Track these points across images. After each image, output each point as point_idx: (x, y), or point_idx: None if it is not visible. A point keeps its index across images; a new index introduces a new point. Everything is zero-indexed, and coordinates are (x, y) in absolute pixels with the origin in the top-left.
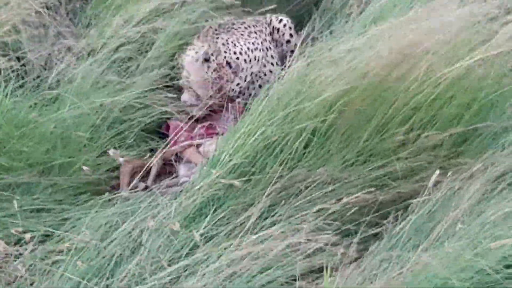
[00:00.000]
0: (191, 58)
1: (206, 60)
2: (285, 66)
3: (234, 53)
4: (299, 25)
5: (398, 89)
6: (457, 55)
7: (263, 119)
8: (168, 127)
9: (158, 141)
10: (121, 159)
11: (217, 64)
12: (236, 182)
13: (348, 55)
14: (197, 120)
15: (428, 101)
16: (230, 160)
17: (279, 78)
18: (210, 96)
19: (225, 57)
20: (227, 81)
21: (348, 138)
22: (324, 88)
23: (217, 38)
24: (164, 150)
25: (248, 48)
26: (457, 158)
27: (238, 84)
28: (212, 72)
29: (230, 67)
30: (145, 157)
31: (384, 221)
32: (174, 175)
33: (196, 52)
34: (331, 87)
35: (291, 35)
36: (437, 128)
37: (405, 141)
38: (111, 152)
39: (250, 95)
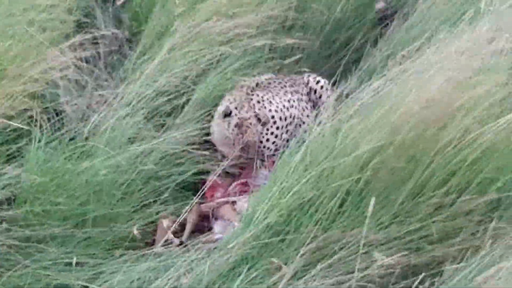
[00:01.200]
0: (215, 114)
1: (226, 115)
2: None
3: (270, 110)
4: (336, 84)
5: (433, 150)
6: (492, 114)
7: (296, 176)
8: (204, 183)
9: (193, 197)
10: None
11: (239, 118)
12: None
13: (378, 109)
14: (234, 177)
15: (465, 165)
16: (265, 219)
17: (310, 133)
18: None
19: (254, 109)
20: (253, 134)
21: (383, 200)
22: (357, 143)
23: (252, 94)
24: (199, 206)
25: (284, 106)
26: (491, 222)
27: (274, 142)
28: (233, 128)
29: (259, 120)
30: (182, 213)
31: (420, 286)
32: (209, 232)
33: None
34: (364, 143)
35: (328, 97)
36: (473, 192)
37: (441, 205)
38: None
39: None
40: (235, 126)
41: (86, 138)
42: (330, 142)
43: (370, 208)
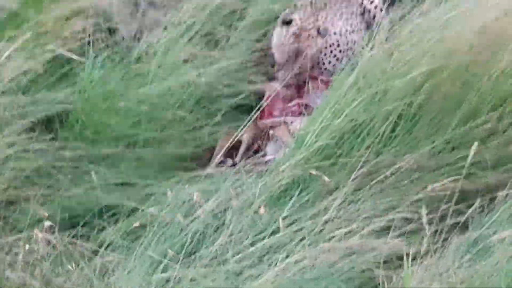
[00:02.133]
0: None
1: (285, 23)
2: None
3: (335, 33)
4: (390, 5)
5: (486, 75)
6: None
7: (349, 98)
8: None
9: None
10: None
11: (298, 28)
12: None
13: (432, 32)
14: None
15: None
16: (316, 142)
17: (363, 55)
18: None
19: (317, 22)
20: (308, 45)
21: (436, 124)
22: (411, 66)
23: (318, 16)
24: (255, 124)
25: (346, 30)
26: None
27: (334, 65)
28: (290, 36)
29: (319, 33)
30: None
31: (469, 211)
32: (262, 153)
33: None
34: (418, 66)
35: (382, 18)
36: None
37: (493, 131)
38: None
39: None
40: (293, 34)
41: (139, 59)
42: (383, 65)
43: None
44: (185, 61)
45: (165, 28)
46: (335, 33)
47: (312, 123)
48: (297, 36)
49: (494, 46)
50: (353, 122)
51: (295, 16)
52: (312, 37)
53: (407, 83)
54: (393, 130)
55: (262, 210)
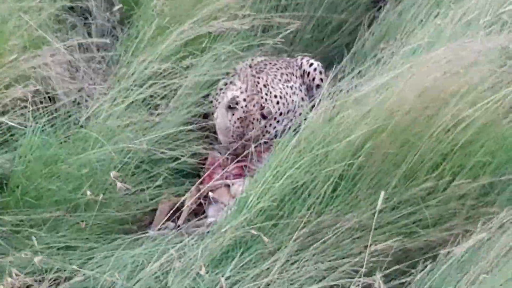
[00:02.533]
0: (224, 101)
1: (230, 107)
2: (312, 107)
3: (275, 96)
4: (329, 66)
5: (426, 134)
6: (483, 98)
7: (291, 161)
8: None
9: (190, 182)
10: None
11: (245, 112)
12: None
13: (372, 95)
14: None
15: (456, 148)
16: (258, 203)
17: (305, 119)
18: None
19: (261, 104)
20: (254, 127)
21: (376, 184)
22: (351, 129)
23: (258, 78)
24: (197, 189)
25: (287, 93)
26: (485, 207)
27: (275, 127)
28: (235, 121)
29: (263, 116)
30: (180, 197)
31: (413, 270)
32: (202, 215)
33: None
34: (358, 129)
35: (321, 80)
36: (466, 176)
37: (434, 189)
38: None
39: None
40: (238, 119)
41: (79, 124)
42: (324, 129)
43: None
44: (126, 125)
45: (105, 93)
46: (275, 96)
47: (254, 185)
48: (241, 121)
49: (433, 106)
50: (294, 184)
51: (239, 98)
52: (257, 120)
53: (347, 145)
54: (334, 190)
55: (203, 271)
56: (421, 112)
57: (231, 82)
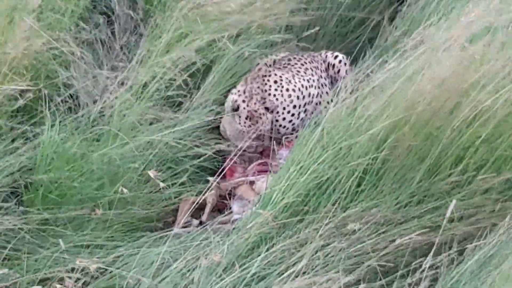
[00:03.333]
0: (225, 110)
1: (234, 109)
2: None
3: (287, 90)
4: (352, 62)
5: (447, 127)
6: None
7: (315, 156)
8: (223, 165)
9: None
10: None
11: (248, 111)
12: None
13: (390, 86)
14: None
15: (478, 142)
16: (282, 199)
17: (327, 112)
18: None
19: (262, 100)
20: (263, 123)
21: (401, 178)
22: (372, 121)
23: (269, 76)
24: (218, 186)
25: (302, 85)
26: (510, 201)
27: (291, 121)
28: (244, 121)
29: (268, 109)
30: (202, 194)
31: (439, 264)
32: (227, 212)
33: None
34: (380, 121)
35: (346, 72)
36: (491, 170)
37: (458, 183)
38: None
39: None
40: (246, 118)
41: (101, 122)
42: (346, 121)
43: None
44: (150, 123)
45: (129, 91)
46: (287, 90)
47: (278, 181)
48: (250, 118)
49: (452, 97)
50: (318, 179)
51: (239, 101)
52: (263, 114)
53: (370, 138)
54: (358, 185)
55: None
56: (442, 104)
57: (234, 87)
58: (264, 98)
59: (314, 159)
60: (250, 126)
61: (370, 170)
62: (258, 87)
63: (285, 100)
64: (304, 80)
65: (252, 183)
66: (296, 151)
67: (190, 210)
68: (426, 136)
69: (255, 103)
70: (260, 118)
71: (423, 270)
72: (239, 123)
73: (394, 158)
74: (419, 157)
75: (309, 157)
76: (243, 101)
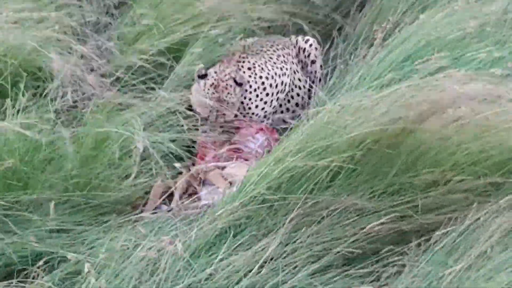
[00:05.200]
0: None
1: (200, 76)
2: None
3: (261, 77)
4: (322, 48)
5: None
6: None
7: (291, 152)
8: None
9: (184, 162)
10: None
11: (215, 79)
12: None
13: (376, 105)
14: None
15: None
16: (254, 190)
17: (308, 119)
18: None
19: (230, 73)
20: (229, 93)
21: (375, 170)
22: (353, 129)
23: (243, 62)
24: (188, 171)
25: (275, 73)
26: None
27: (263, 108)
28: (208, 88)
29: (236, 82)
30: (172, 179)
31: (408, 251)
32: (195, 197)
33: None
34: (360, 128)
35: (316, 56)
36: (469, 174)
37: (435, 181)
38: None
39: (278, 118)
40: (211, 85)
41: (73, 108)
42: (327, 130)
43: None
44: (119, 109)
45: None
46: (261, 77)
47: (254, 172)
48: (215, 87)
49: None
50: (292, 171)
51: (210, 70)
52: (230, 86)
53: (348, 140)
54: (332, 180)
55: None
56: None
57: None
58: (234, 74)
59: (291, 155)
60: (213, 93)
61: (345, 167)
62: (232, 71)
63: (258, 87)
64: (277, 68)
65: (222, 168)
66: (276, 148)
67: (162, 195)
68: (404, 139)
69: (225, 75)
70: (226, 88)
71: (391, 257)
72: (203, 89)
73: (371, 155)
74: (395, 156)
75: (284, 153)
76: (215, 72)
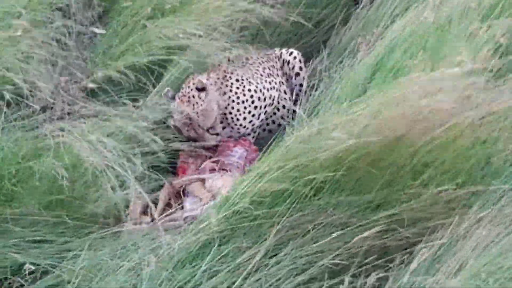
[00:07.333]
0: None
1: (199, 89)
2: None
3: (249, 90)
4: (307, 62)
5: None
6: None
7: (274, 167)
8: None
9: (167, 176)
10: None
11: (179, 97)
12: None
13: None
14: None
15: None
16: (237, 204)
17: (291, 133)
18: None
19: (192, 83)
20: (196, 103)
21: (359, 186)
22: (335, 144)
23: (231, 74)
24: (170, 183)
25: (264, 87)
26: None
27: (251, 121)
28: (178, 107)
29: (197, 89)
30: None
31: (391, 265)
32: (176, 208)
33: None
34: (342, 143)
35: (300, 68)
36: (451, 183)
37: (417, 193)
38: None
39: (264, 130)
40: (178, 103)
41: (57, 119)
42: (309, 144)
43: None
44: (104, 120)
45: (82, 90)
46: (249, 90)
47: (238, 186)
48: (182, 102)
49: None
50: (275, 187)
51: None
52: (193, 96)
53: (331, 156)
54: (315, 194)
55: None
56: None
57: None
58: (225, 93)
59: (274, 169)
60: (182, 112)
61: (329, 180)
62: (220, 83)
63: (247, 100)
64: (265, 81)
65: (204, 180)
66: (258, 163)
67: (144, 207)
68: (387, 155)
69: (189, 87)
70: (189, 100)
71: (374, 270)
72: (176, 109)
73: (355, 169)
74: (379, 171)
75: (267, 168)
76: (182, 88)
